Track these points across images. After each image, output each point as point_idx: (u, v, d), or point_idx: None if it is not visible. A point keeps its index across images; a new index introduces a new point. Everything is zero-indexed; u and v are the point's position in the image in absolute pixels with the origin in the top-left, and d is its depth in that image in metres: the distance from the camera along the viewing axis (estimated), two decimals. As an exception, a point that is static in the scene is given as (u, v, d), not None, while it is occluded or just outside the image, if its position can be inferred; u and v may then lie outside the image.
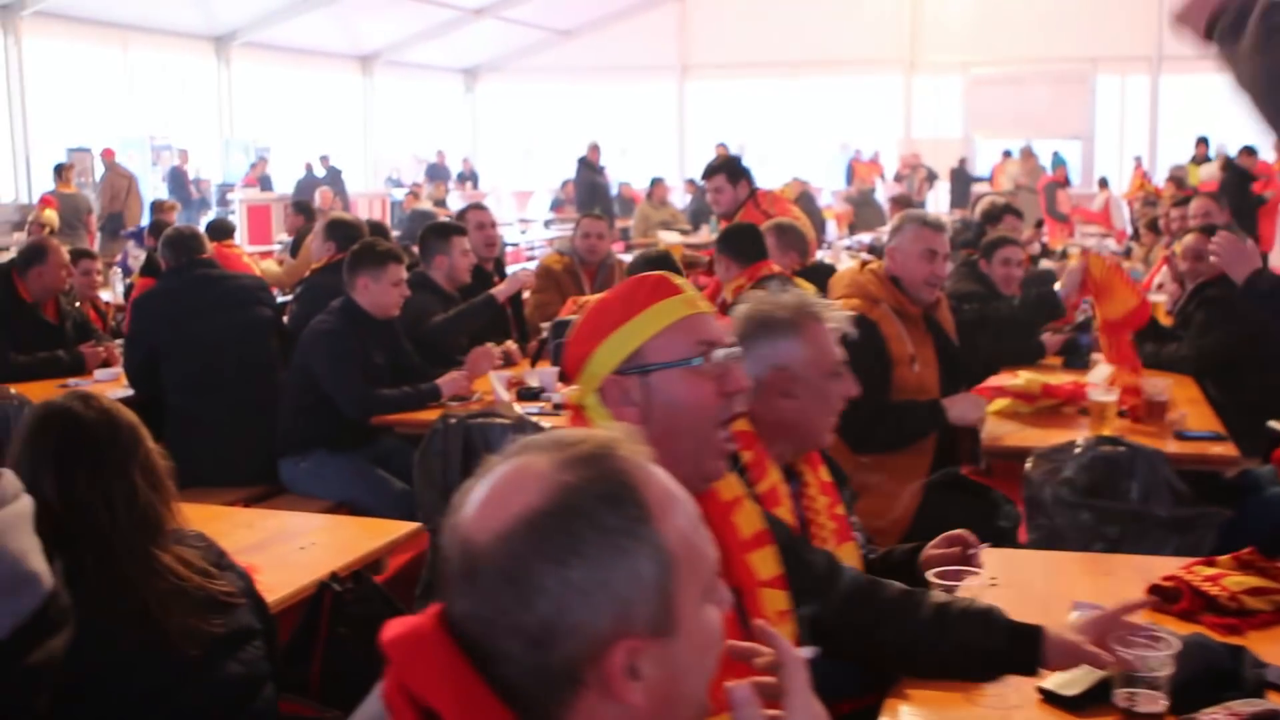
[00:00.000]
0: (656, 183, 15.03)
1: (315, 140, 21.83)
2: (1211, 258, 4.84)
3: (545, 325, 6.02)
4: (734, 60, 24.55)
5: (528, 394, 5.26)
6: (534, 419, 4.77)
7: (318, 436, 5.14)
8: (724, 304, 5.34)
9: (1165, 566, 2.93)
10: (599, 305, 2.03)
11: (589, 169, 15.02)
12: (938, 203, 22.08)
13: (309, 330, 5.18)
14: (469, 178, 22.80)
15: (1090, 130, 23.70)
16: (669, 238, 11.85)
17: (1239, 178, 12.75)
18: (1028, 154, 18.24)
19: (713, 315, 1.98)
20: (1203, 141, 18.70)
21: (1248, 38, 1.95)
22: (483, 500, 1.20)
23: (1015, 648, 2.06)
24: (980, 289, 6.12)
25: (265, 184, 19.12)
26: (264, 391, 5.39)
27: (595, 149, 15.47)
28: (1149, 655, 2.03)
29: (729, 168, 7.08)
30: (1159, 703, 2.04)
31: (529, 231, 19.87)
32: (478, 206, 7.07)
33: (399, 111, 23.80)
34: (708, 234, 15.15)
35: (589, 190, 14.91)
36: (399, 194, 20.88)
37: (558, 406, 5.00)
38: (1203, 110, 22.46)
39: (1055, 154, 21.46)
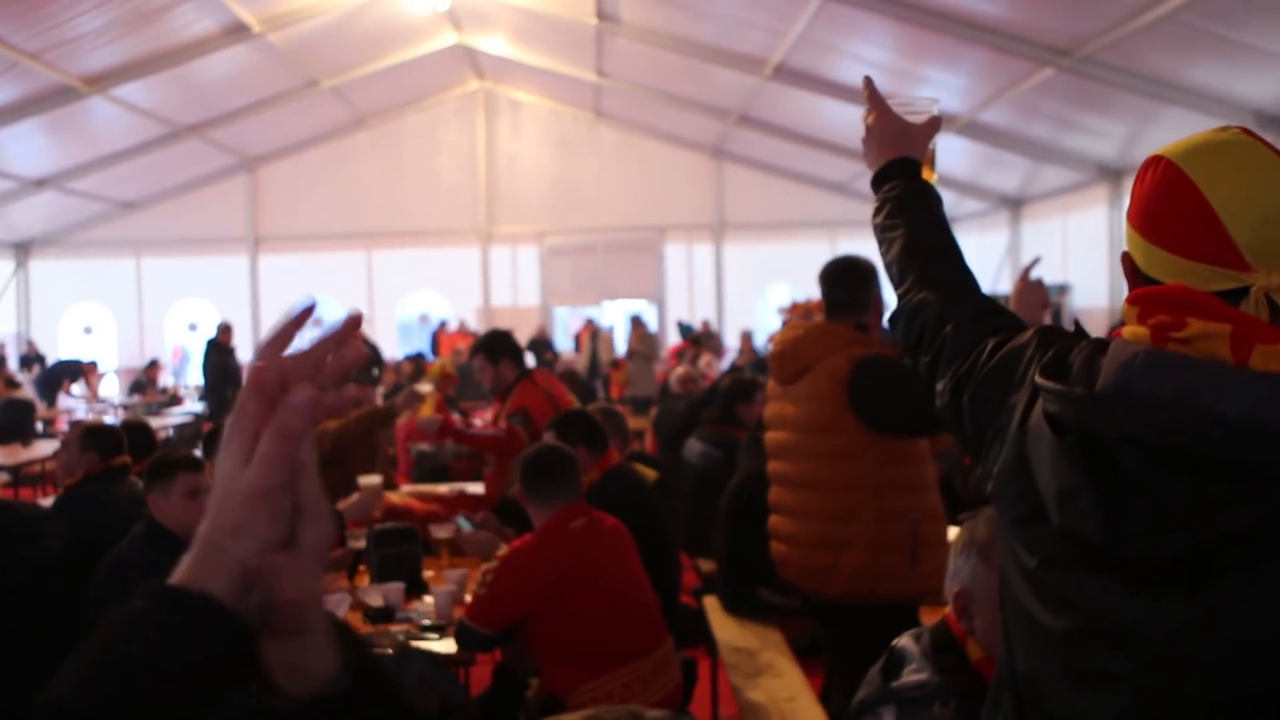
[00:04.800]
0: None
1: None
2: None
3: (356, 535, 5.51)
4: (308, 232, 24.16)
5: (378, 617, 4.74)
6: (416, 644, 4.34)
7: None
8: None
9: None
10: None
11: (220, 351, 14.07)
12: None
13: (111, 562, 4.50)
14: (35, 360, 20.95)
15: (661, 293, 24.90)
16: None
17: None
18: (638, 323, 18.80)
19: None
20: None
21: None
22: None
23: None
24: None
25: None
26: (53, 637, 4.62)
27: (228, 330, 14.49)
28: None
29: (487, 347, 6.80)
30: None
31: (110, 418, 18.42)
32: (189, 465, 6.24)
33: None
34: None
35: (220, 374, 13.95)
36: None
37: (426, 628, 4.56)
38: (761, 272, 24.36)
39: (681, 324, 22.45)
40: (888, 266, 2.23)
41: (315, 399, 0.92)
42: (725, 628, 5.98)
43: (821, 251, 24.58)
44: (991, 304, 2.07)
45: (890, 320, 2.22)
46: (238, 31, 16.90)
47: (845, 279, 4.39)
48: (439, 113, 24.62)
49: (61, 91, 16.65)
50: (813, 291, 18.08)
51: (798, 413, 4.28)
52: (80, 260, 24.37)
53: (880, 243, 2.27)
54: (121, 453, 5.53)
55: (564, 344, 24.15)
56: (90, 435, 5.56)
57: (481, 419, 8.34)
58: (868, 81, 2.42)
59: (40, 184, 20.56)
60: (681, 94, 20.88)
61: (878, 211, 2.27)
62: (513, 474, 6.09)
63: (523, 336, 22.84)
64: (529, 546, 4.31)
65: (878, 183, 2.31)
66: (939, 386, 1.98)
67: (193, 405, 17.94)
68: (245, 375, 0.96)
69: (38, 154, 19.59)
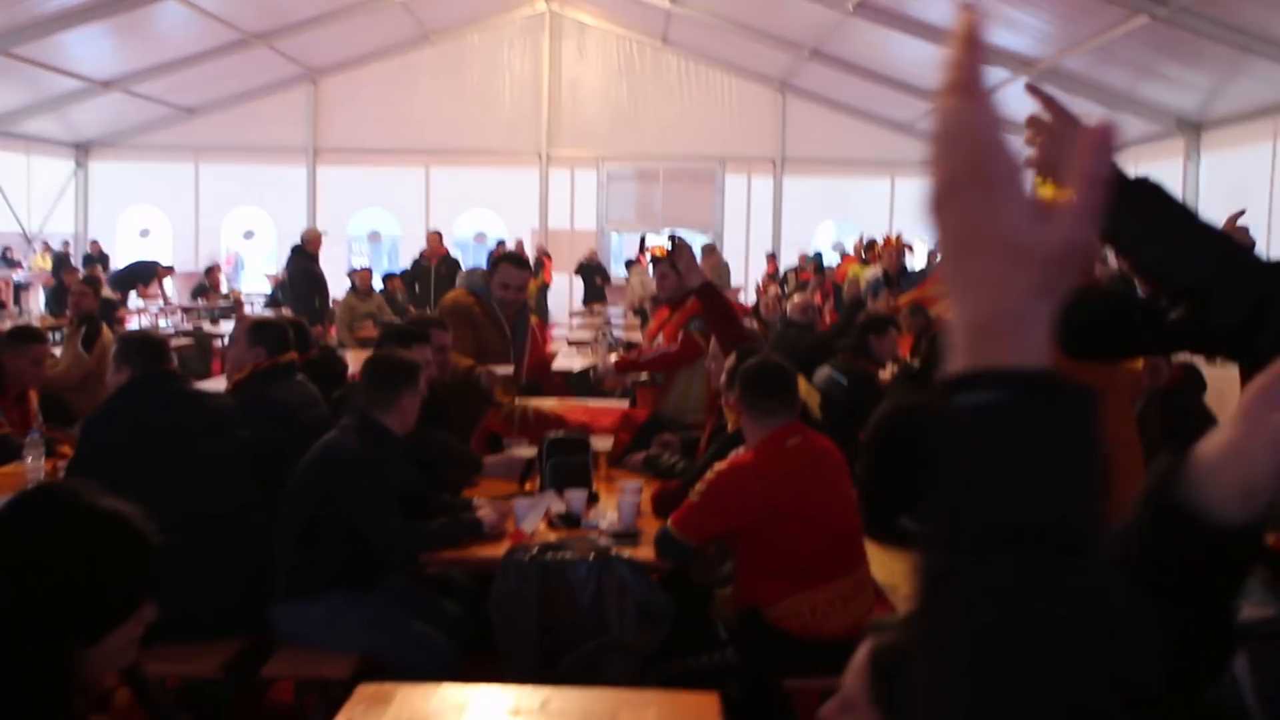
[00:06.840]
0: (359, 271, 14.18)
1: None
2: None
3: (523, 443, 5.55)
4: (367, 146, 24.06)
5: (565, 522, 4.78)
6: (616, 551, 4.35)
7: (332, 576, 4.49)
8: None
9: None
10: None
11: (305, 257, 13.94)
12: (575, 299, 22.44)
13: (327, 455, 4.50)
14: (98, 260, 20.93)
15: (719, 225, 24.79)
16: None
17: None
18: (712, 251, 18.68)
19: None
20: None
21: None
22: None
23: None
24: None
25: None
26: (245, 529, 4.68)
27: (316, 239, 14.33)
28: None
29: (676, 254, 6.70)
30: None
31: (173, 319, 18.48)
32: (436, 324, 5.98)
33: (8, 187, 21.61)
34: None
35: (308, 281, 13.83)
36: (19, 275, 18.99)
37: (618, 535, 4.60)
38: (818, 208, 24.24)
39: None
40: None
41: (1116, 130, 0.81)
42: (870, 553, 6.00)
43: (881, 190, 24.45)
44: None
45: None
46: (316, -61, 16.80)
47: None
48: (504, 33, 24.41)
49: (137, -8, 16.60)
50: (868, 230, 17.86)
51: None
52: (139, 163, 24.27)
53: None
54: (289, 349, 5.52)
55: (619, 271, 24.00)
56: (258, 331, 5.54)
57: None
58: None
59: (106, 85, 20.50)
60: (753, 24, 20.69)
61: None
62: (683, 386, 6.16)
63: (575, 260, 22.88)
64: (746, 462, 4.31)
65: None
66: None
67: (254, 310, 17.95)
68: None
69: (105, 55, 19.53)
